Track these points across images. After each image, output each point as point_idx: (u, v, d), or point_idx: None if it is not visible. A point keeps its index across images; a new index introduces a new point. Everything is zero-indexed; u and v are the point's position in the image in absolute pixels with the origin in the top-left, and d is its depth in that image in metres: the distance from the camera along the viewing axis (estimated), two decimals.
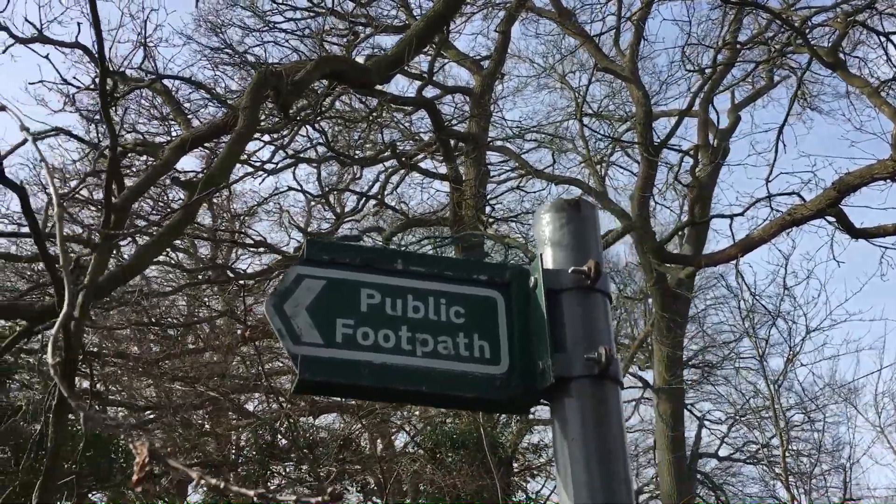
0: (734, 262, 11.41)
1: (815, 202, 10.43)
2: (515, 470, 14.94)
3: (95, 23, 3.81)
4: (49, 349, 1.87)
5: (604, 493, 1.79)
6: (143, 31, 10.19)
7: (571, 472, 1.83)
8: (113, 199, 3.89)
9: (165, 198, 13.50)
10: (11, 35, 10.46)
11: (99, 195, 12.92)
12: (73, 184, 11.72)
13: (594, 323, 1.98)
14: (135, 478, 1.26)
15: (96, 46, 3.69)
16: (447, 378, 1.94)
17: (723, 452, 22.25)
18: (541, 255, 2.08)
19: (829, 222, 11.92)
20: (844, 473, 11.80)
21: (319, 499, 1.00)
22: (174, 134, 12.93)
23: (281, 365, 15.44)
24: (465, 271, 2.11)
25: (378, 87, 12.53)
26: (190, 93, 13.29)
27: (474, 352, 1.99)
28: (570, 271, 2.01)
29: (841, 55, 11.39)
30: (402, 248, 14.70)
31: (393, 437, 16.52)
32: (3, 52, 10.81)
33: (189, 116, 12.53)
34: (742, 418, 20.41)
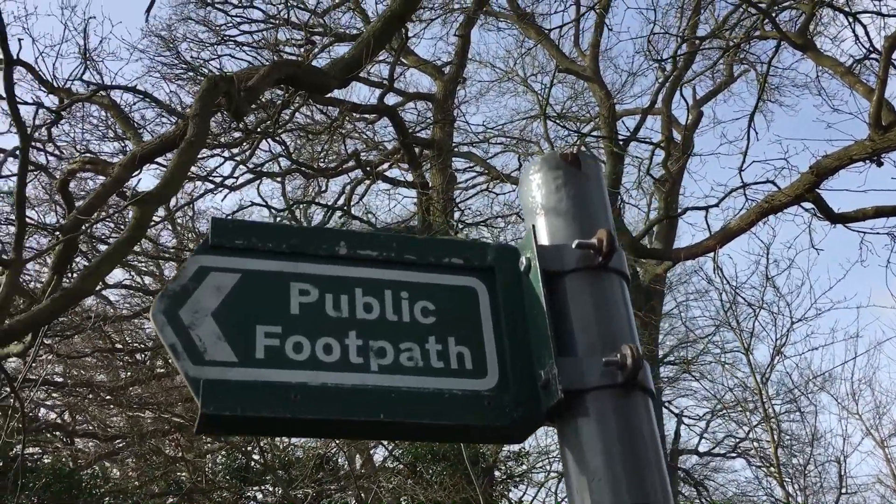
0: (712, 254, 10.98)
1: (793, 187, 10.03)
2: (497, 480, 14.86)
3: None
4: None
5: None
6: (85, 42, 9.63)
7: None
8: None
9: (124, 219, 12.99)
10: None
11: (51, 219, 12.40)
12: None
13: (611, 313, 1.47)
14: None
15: None
16: (415, 400, 1.41)
17: (702, 448, 21.97)
18: (532, 226, 1.56)
19: (806, 209, 11.61)
20: (839, 466, 11.47)
21: None
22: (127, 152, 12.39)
23: None
24: (433, 254, 1.57)
25: (337, 92, 12.09)
26: (135, 103, 12.70)
27: (451, 362, 1.46)
28: (574, 246, 1.50)
29: (809, 37, 11.12)
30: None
31: (371, 453, 16.20)
32: None
33: (140, 132, 12.00)
34: (720, 413, 20.15)
